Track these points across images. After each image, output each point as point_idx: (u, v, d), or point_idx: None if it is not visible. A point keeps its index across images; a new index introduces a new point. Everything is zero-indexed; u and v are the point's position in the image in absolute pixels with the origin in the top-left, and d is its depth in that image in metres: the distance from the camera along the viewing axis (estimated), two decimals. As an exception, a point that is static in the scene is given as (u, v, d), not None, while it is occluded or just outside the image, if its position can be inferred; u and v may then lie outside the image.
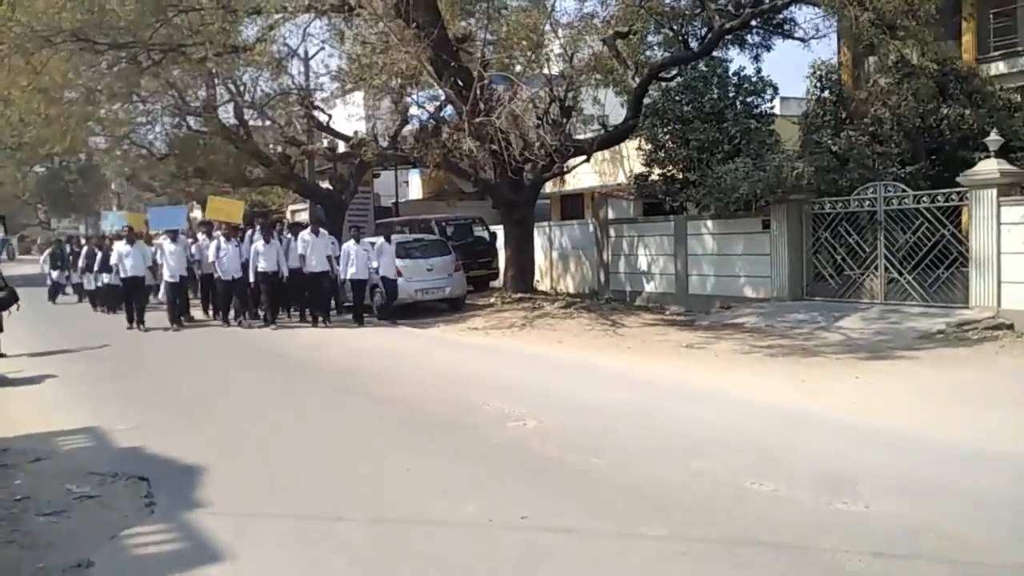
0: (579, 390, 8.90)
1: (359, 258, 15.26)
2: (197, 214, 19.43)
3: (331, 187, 24.77)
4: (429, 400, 8.60)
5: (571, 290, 20.04)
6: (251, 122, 22.92)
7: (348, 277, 15.37)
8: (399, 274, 15.83)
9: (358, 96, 22.66)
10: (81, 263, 21.53)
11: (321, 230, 15.93)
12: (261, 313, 15.97)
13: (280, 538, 4.83)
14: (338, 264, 15.50)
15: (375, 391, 9.17)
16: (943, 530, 4.54)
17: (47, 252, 24.52)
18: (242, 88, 21.18)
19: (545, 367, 10.64)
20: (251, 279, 15.42)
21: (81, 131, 20.83)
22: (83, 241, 25.34)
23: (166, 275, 15.76)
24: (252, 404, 8.85)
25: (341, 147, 24.77)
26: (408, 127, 21.08)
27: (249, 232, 16.44)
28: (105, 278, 18.79)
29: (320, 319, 15.54)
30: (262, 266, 15.26)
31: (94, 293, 20.52)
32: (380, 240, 16.10)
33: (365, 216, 25.90)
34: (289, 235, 16.21)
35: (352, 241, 15.55)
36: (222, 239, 15.57)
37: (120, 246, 15.79)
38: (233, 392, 9.61)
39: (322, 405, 8.67)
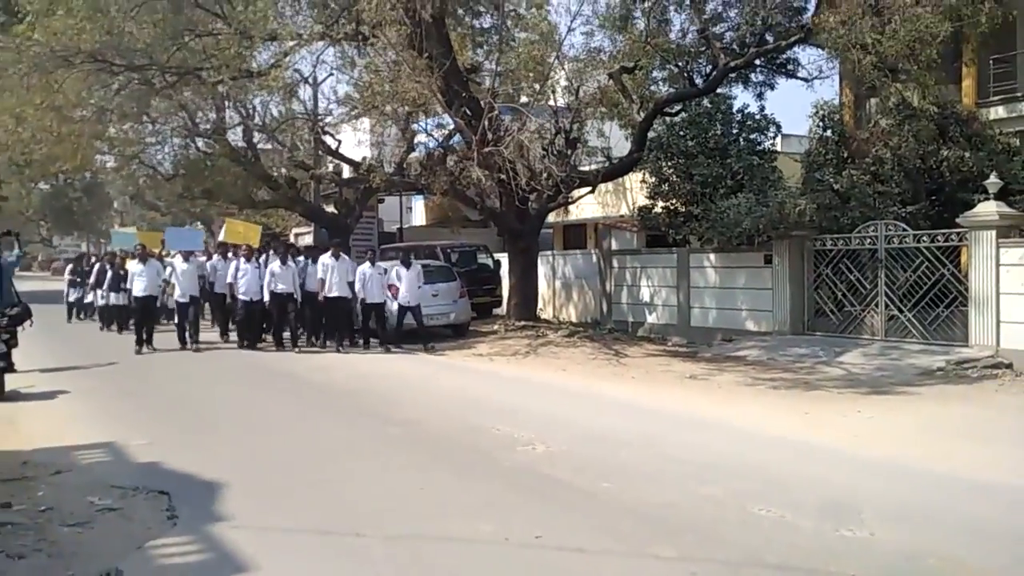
0: (585, 417, 9.05)
1: (374, 282, 15.12)
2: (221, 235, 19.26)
3: (336, 211, 25.08)
4: (439, 423, 8.75)
5: (573, 319, 20.23)
6: (259, 145, 23.26)
7: (363, 301, 15.24)
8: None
9: (365, 122, 23.04)
10: (91, 280, 21.10)
11: (342, 254, 15.63)
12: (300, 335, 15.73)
13: (302, 552, 4.97)
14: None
15: (385, 412, 9.31)
16: (944, 556, 4.70)
17: (69, 267, 23.84)
18: (252, 111, 21.52)
19: (550, 394, 10.79)
20: (266, 299, 15.29)
21: (91, 150, 21.15)
22: (92, 258, 24.89)
23: (176, 294, 15.68)
24: (264, 423, 8.98)
25: (346, 172, 25.14)
26: (414, 154, 21.42)
27: (264, 255, 16.31)
28: (114, 297, 18.68)
29: (340, 345, 15.23)
30: (278, 288, 15.11)
31: (102, 311, 20.25)
32: (397, 265, 15.86)
33: (370, 241, 26.17)
34: (302, 258, 16.08)
35: (367, 264, 15.35)
36: (242, 260, 15.45)
37: (133, 265, 15.63)
38: (244, 411, 9.75)
39: (334, 425, 8.81)
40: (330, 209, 25.84)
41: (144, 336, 15.15)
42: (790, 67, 18.07)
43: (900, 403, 9.69)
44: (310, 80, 21.21)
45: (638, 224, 19.87)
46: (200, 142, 22.78)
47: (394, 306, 15.45)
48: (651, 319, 18.06)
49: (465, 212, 24.48)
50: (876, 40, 13.61)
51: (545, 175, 14.71)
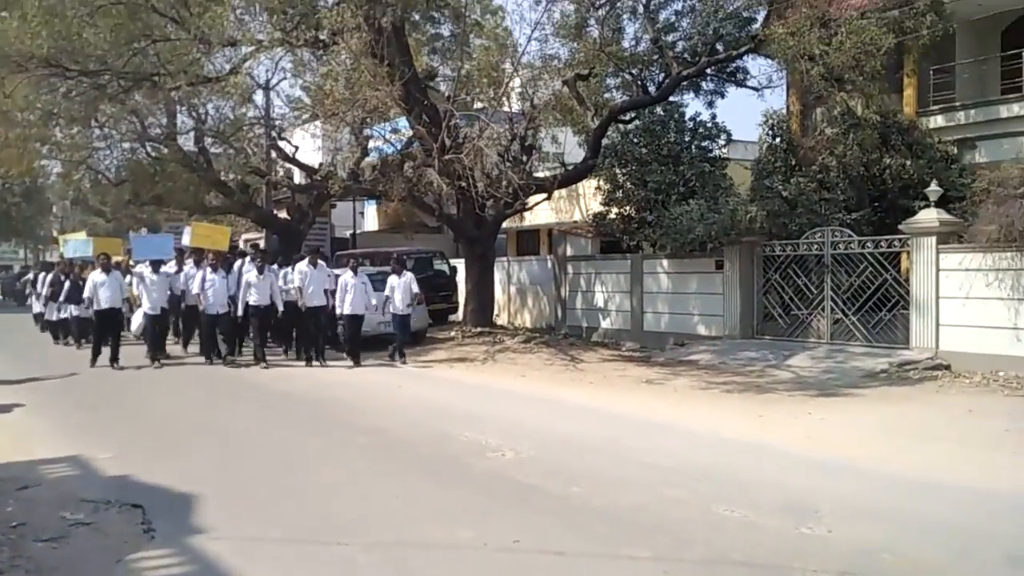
0: (549, 423, 9.27)
1: (357, 292, 14.36)
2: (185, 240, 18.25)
3: (288, 217, 24.93)
4: (405, 431, 8.88)
5: (529, 325, 20.46)
6: (212, 150, 23.00)
7: (345, 312, 14.37)
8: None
9: (318, 126, 22.95)
10: (45, 291, 19.44)
11: (320, 262, 14.77)
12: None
13: (286, 561, 5.07)
14: (333, 298, 14.51)
15: (352, 421, 9.41)
16: (897, 552, 5.01)
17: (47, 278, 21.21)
18: (206, 116, 21.30)
19: (512, 400, 10.99)
20: (239, 313, 14.42)
21: (37, 155, 20.73)
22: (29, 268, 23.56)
23: (145, 307, 14.61)
24: (232, 434, 9.00)
25: (298, 176, 25.02)
26: (368, 158, 21.42)
27: (239, 263, 15.43)
28: (73, 309, 17.39)
29: (315, 358, 14.44)
30: (253, 299, 14.16)
31: (56, 324, 19.09)
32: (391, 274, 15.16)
33: (322, 246, 26.07)
34: (276, 266, 15.23)
35: (349, 273, 14.46)
36: (208, 269, 14.40)
37: (95, 276, 14.31)
38: (211, 422, 9.71)
39: (302, 434, 8.87)
40: (282, 215, 25.66)
41: (101, 351, 14.30)
42: (740, 76, 18.56)
43: (847, 405, 10.11)
44: (264, 85, 21.05)
45: (593, 230, 20.20)
46: (150, 147, 22.45)
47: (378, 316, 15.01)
48: (605, 324, 18.38)
49: (421, 218, 24.54)
50: (823, 51, 14.14)
51: (505, 182, 14.90)
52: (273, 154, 22.64)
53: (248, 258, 15.49)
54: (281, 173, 25.11)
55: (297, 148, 22.24)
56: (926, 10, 14.72)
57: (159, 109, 20.81)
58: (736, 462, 7.30)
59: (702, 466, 7.14)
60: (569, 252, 20.32)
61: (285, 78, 21.69)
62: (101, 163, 23.73)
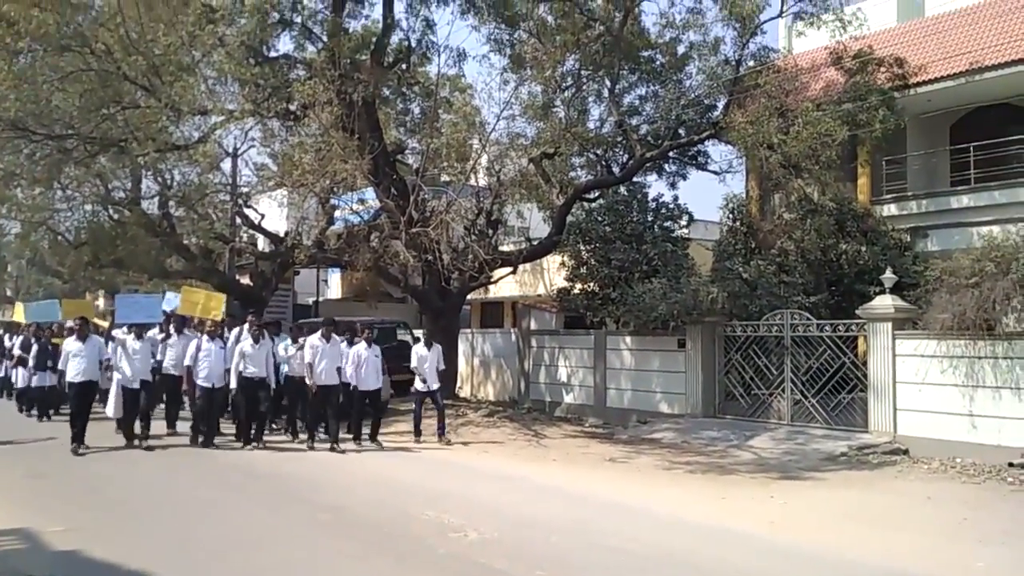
0: (512, 503, 9.17)
1: (371, 365, 13.28)
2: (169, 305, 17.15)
3: (251, 283, 24.74)
4: (367, 509, 8.71)
5: (492, 397, 20.35)
6: (175, 214, 22.87)
7: (359, 388, 13.23)
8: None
9: (282, 193, 23.01)
10: (13, 355, 17.87)
11: (334, 336, 13.16)
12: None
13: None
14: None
15: (312, 498, 9.21)
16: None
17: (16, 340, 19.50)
18: (171, 181, 21.24)
19: (475, 477, 10.86)
20: (232, 385, 12.76)
21: (-5, 215, 20.45)
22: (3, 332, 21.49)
23: (123, 378, 12.62)
24: (188, 509, 8.75)
25: (261, 243, 24.93)
26: (333, 227, 21.48)
27: (236, 331, 14.08)
28: (37, 378, 15.91)
29: (335, 442, 12.81)
30: (249, 371, 12.69)
31: (22, 392, 17.43)
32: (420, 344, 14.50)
33: (284, 313, 25.85)
34: (275, 337, 13.98)
35: (363, 344, 13.39)
36: (204, 338, 12.97)
37: (70, 343, 12.53)
38: (166, 496, 9.43)
39: (262, 511, 8.66)
40: (245, 280, 25.46)
41: (84, 434, 12.33)
42: (701, 160, 19.18)
43: (809, 488, 10.16)
44: (232, 152, 21.12)
45: (557, 305, 20.34)
46: (112, 210, 22.26)
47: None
48: (568, 399, 18.36)
49: (386, 288, 24.52)
50: (781, 140, 14.70)
51: (471, 255, 15.02)
52: (238, 220, 22.57)
53: (246, 326, 13.76)
54: (245, 239, 25.05)
55: (263, 216, 22.21)
56: (878, 105, 15.43)
57: (124, 173, 20.72)
58: (699, 548, 7.27)
59: (667, 551, 7.09)
60: (533, 326, 20.37)
61: (253, 146, 21.79)
62: (61, 224, 23.44)
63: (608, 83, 17.79)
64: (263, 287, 23.82)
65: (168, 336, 14.12)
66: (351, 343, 13.61)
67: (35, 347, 16.21)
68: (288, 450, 12.92)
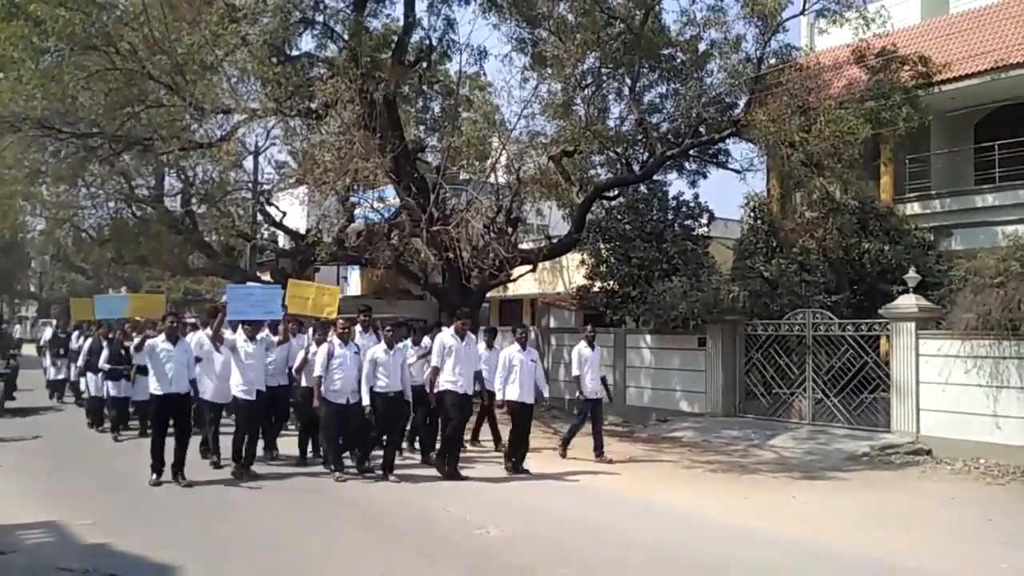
0: (533, 499, 9.20)
1: (526, 372, 10.89)
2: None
3: (271, 280, 24.91)
4: (388, 504, 8.77)
5: (511, 395, 20.32)
6: (197, 211, 23.12)
7: (509, 398, 10.94)
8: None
9: (302, 190, 23.19)
10: (80, 360, 15.18)
11: (470, 334, 10.79)
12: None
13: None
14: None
15: (334, 494, 9.28)
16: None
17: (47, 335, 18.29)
18: (194, 179, 21.45)
19: (494, 473, 10.84)
20: (365, 402, 9.96)
21: (22, 211, 20.74)
22: (75, 330, 18.19)
23: (235, 388, 10.14)
24: (211, 503, 8.84)
25: (282, 240, 25.09)
26: (352, 225, 21.60)
27: (264, 333, 10.94)
28: (111, 386, 13.57)
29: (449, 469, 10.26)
30: (382, 384, 10.08)
31: (92, 403, 14.66)
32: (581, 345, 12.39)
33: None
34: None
35: (515, 347, 11.01)
36: (336, 342, 10.38)
37: (159, 343, 9.81)
38: (189, 491, 9.46)
39: (284, 505, 8.73)
40: (265, 277, 25.64)
41: (163, 458, 9.63)
42: (722, 158, 19.03)
43: (832, 488, 10.12)
44: (254, 150, 21.30)
45: (576, 303, 20.33)
46: (135, 207, 22.53)
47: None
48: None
49: (406, 285, 24.61)
50: (803, 138, 14.57)
51: (491, 253, 15.04)
52: (260, 217, 22.75)
53: (371, 328, 11.63)
54: (266, 236, 25.25)
55: (285, 214, 22.38)
56: (902, 102, 15.28)
57: (147, 171, 20.95)
58: (722, 547, 7.26)
59: (691, 551, 7.09)
60: (552, 324, 20.38)
61: (274, 143, 21.94)
62: (85, 221, 23.77)
63: (628, 81, 17.72)
64: (283, 284, 23.95)
65: (285, 339, 11.04)
66: (490, 345, 11.90)
67: (105, 351, 13.73)
68: (416, 479, 10.19)
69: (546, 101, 17.86)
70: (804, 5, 16.04)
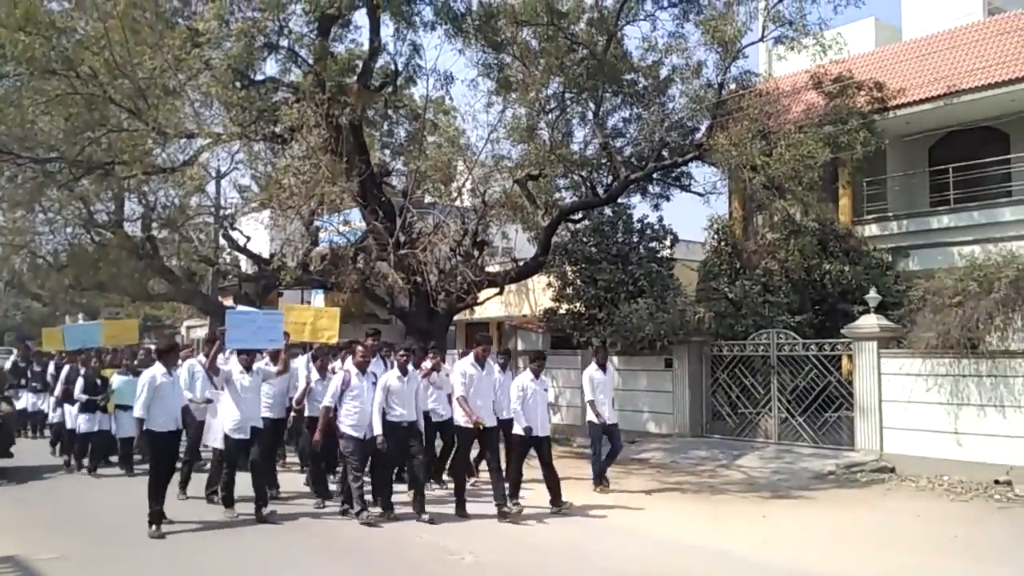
0: (507, 526, 9.13)
1: (540, 401, 10.24)
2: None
3: (234, 305, 24.63)
4: (358, 531, 8.65)
5: (477, 419, 20.23)
6: (159, 236, 22.80)
7: (519, 432, 10.02)
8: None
9: (265, 215, 23.01)
10: (57, 390, 13.91)
11: (488, 361, 10.28)
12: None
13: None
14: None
15: (305, 522, 9.14)
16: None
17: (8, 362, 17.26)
18: (154, 203, 21.17)
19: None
20: (376, 432, 9.10)
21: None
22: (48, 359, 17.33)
23: (228, 424, 9.25)
24: (180, 533, 8.63)
25: (244, 263, 24.86)
26: (317, 248, 21.47)
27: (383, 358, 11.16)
28: (83, 421, 12.61)
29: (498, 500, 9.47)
30: (396, 414, 9.32)
31: (65, 437, 13.66)
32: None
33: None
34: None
35: (528, 375, 10.32)
36: (353, 371, 9.52)
37: (155, 372, 8.96)
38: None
39: (254, 534, 8.57)
40: (228, 302, 25.35)
41: (162, 503, 8.74)
42: (685, 181, 19.26)
43: (800, 507, 10.22)
44: (216, 175, 21.12)
45: (543, 325, 20.37)
46: (94, 232, 22.14)
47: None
48: (555, 419, 18.28)
49: (372, 309, 24.46)
50: (764, 162, 14.83)
51: (459, 277, 15.04)
52: (222, 242, 22.51)
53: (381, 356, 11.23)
54: (228, 261, 24.99)
55: (249, 238, 22.17)
56: (859, 127, 15.65)
57: (107, 196, 20.62)
58: (697, 569, 7.30)
59: (664, 573, 7.11)
60: (520, 346, 20.37)
61: (237, 168, 21.76)
62: (42, 247, 23.29)
63: (592, 105, 17.92)
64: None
65: (284, 369, 10.15)
66: (504, 367, 10.82)
67: (81, 381, 12.80)
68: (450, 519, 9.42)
69: (511, 125, 17.97)
70: (763, 32, 16.38)
